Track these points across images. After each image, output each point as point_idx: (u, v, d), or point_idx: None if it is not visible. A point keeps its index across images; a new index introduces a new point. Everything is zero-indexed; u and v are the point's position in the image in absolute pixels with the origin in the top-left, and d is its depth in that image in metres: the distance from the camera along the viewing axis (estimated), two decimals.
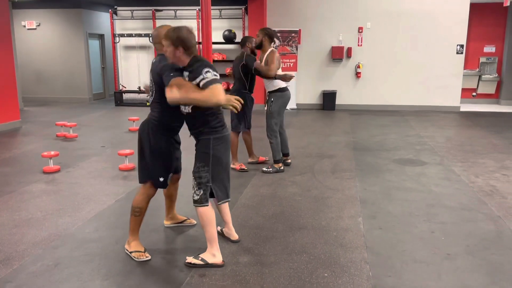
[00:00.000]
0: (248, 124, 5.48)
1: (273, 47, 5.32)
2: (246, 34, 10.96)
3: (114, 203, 4.31)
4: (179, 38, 2.81)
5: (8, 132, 8.08)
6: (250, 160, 5.80)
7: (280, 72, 5.28)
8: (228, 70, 11.25)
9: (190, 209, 3.73)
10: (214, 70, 2.85)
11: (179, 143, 3.34)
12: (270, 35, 5.24)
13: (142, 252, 3.18)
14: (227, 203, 3.34)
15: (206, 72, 2.80)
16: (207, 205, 3.02)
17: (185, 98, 2.77)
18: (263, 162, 5.77)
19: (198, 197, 2.99)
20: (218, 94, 2.75)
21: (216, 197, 3.10)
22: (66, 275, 2.92)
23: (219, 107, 2.97)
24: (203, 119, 2.94)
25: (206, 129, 2.96)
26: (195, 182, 3.00)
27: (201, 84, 2.79)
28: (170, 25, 3.12)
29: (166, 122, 3.11)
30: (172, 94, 2.76)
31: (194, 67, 2.85)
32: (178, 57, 2.86)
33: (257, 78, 5.37)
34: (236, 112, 3.02)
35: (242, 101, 3.01)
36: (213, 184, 3.02)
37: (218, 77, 2.86)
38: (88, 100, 12.71)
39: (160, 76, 2.97)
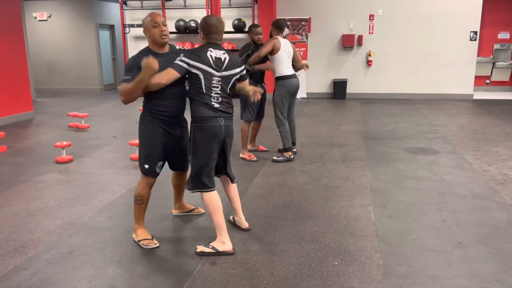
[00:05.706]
0: (258, 114, 5.51)
1: (283, 36, 5.33)
2: (256, 23, 10.89)
3: (126, 193, 4.36)
4: (201, 23, 3.09)
5: (21, 122, 8.18)
6: (249, 147, 5.81)
7: (282, 60, 5.24)
8: None
9: (199, 198, 3.75)
10: (189, 58, 2.95)
11: (175, 136, 3.22)
12: (277, 25, 5.34)
13: (149, 239, 3.22)
14: (236, 190, 3.38)
15: (178, 58, 2.98)
16: (209, 191, 3.06)
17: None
18: (263, 151, 5.78)
19: (189, 186, 3.12)
20: (159, 75, 2.90)
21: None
22: (80, 262, 2.98)
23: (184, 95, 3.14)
24: (184, 106, 3.15)
25: (191, 117, 3.07)
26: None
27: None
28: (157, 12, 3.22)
29: (152, 109, 3.11)
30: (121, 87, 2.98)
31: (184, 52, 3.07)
32: (200, 40, 3.13)
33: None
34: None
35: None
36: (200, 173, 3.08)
37: (183, 64, 2.94)
38: (99, 90, 12.80)
39: None
